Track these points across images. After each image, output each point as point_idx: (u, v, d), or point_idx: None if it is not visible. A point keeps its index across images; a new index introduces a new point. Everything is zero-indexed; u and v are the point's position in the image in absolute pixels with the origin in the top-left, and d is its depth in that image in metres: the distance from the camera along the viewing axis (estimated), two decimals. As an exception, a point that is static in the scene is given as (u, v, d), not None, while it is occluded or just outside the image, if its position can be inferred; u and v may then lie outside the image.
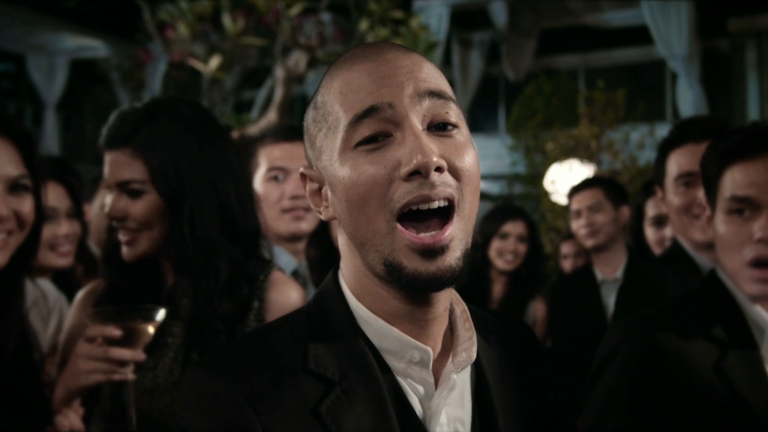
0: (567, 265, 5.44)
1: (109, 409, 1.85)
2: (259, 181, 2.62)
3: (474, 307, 1.33)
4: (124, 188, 1.89)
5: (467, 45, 16.82)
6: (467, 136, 1.14)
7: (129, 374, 1.72)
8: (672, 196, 2.49)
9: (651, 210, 3.41)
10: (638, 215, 3.53)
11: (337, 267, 1.23)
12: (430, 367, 1.14)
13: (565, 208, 9.39)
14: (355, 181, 1.08)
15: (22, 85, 18.89)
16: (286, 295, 1.99)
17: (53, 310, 2.53)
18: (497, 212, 4.41)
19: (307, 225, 2.60)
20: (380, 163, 1.07)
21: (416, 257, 1.06)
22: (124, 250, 1.92)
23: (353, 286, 1.18)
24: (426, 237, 1.06)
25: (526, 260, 4.22)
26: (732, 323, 1.73)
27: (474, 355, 1.19)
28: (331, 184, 1.14)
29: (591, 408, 1.79)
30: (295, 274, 2.64)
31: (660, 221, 3.35)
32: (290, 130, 2.64)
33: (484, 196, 14.19)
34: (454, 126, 1.12)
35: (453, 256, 1.07)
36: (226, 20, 7.78)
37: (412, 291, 1.11)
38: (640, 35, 14.26)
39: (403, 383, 1.14)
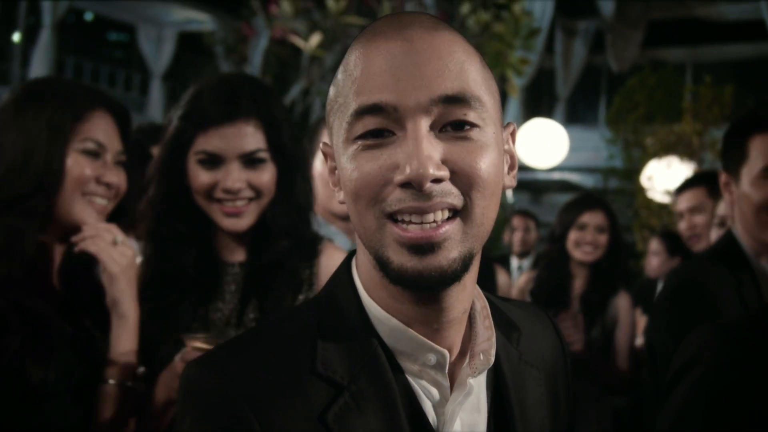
0: (654, 262, 5.30)
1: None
2: (320, 159, 2.66)
3: (498, 298, 1.27)
4: (248, 158, 1.92)
5: (571, 33, 16.47)
6: (491, 136, 1.02)
7: None
8: (750, 188, 2.17)
9: (719, 210, 3.21)
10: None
11: (350, 257, 1.17)
12: (446, 371, 1.07)
13: (661, 206, 9.12)
14: (351, 175, 1.01)
15: (133, 55, 19.63)
16: (336, 263, 2.01)
17: None
18: (575, 202, 4.19)
19: None
20: (377, 162, 0.99)
21: (404, 252, 0.98)
22: (231, 222, 1.94)
23: (366, 282, 1.10)
24: (415, 230, 0.98)
25: (607, 252, 4.00)
26: None
27: (492, 359, 1.11)
28: (338, 171, 1.07)
29: (665, 419, 1.69)
30: None
31: (723, 223, 3.16)
32: None
33: (577, 189, 13.96)
34: (474, 125, 1.00)
35: (446, 257, 0.98)
36: (329, -1, 7.86)
37: (406, 288, 1.03)
38: (753, 29, 13.64)
39: (416, 386, 1.07)
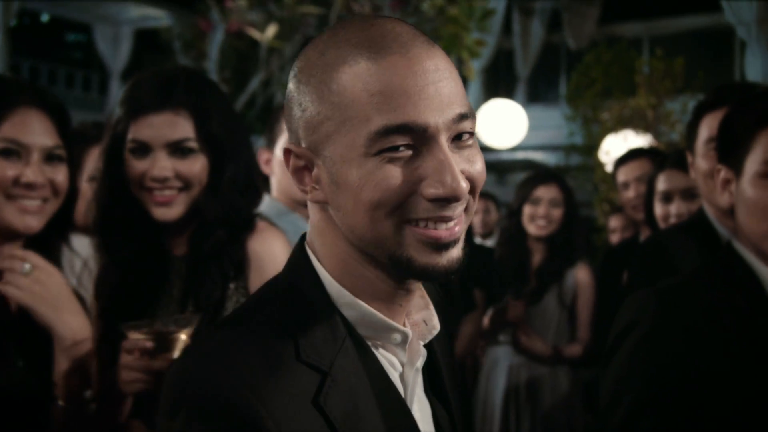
0: (615, 239, 5.37)
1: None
2: (280, 146, 2.69)
3: None
4: (176, 147, 1.93)
5: (528, 13, 16.51)
6: (476, 138, 1.14)
7: None
8: (701, 159, 2.45)
9: (661, 185, 3.27)
10: (650, 189, 3.38)
11: (302, 243, 1.21)
12: (407, 346, 1.17)
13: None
14: (371, 187, 1.05)
15: (92, 55, 19.39)
16: (269, 246, 2.03)
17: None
18: (529, 178, 4.27)
19: None
20: (402, 176, 1.05)
21: (428, 250, 1.07)
22: (161, 211, 1.94)
23: (334, 268, 1.15)
24: (441, 231, 1.07)
25: (562, 226, 4.05)
26: (751, 293, 1.72)
27: (438, 325, 1.22)
28: (336, 179, 1.09)
29: (606, 384, 1.78)
30: None
31: (668, 197, 3.23)
32: None
33: (541, 167, 14.06)
34: (471, 134, 1.11)
35: (458, 249, 1.10)
36: (283, -12, 7.84)
37: (418, 280, 1.15)
38: (707, 1, 13.79)
39: (384, 362, 1.15)
